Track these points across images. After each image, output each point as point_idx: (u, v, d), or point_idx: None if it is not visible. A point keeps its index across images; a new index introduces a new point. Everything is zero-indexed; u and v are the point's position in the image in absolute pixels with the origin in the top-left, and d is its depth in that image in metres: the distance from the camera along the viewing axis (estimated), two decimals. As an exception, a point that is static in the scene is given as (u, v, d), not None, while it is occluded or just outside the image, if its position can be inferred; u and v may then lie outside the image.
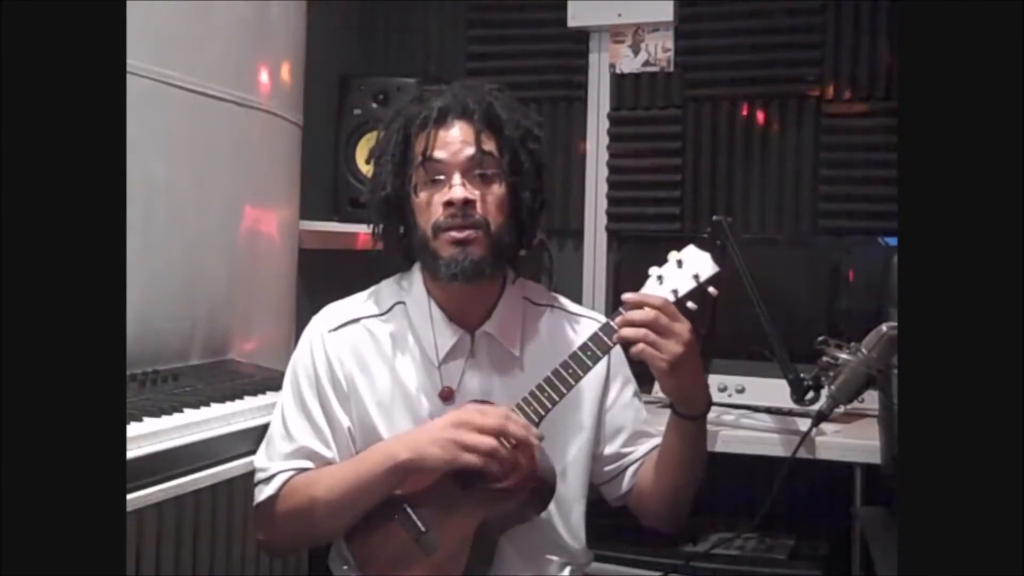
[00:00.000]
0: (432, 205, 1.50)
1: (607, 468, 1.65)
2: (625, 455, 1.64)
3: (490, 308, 1.58)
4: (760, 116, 2.84)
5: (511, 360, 1.58)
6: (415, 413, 1.54)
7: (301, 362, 1.57)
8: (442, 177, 1.50)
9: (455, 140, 1.50)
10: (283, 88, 2.24)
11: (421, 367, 1.56)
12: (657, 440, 1.63)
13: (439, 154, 1.49)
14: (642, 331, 1.44)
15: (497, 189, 1.51)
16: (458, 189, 1.48)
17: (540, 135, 1.58)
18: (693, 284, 1.48)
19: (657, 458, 1.60)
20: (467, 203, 1.48)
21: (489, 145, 1.50)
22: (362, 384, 1.55)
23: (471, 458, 1.40)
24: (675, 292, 1.48)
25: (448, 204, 1.48)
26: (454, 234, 1.48)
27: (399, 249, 1.59)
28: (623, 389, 1.66)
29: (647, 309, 1.44)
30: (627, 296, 1.48)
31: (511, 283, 1.61)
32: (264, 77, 2.14)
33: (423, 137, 1.50)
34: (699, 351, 1.48)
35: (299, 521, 1.50)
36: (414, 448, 1.44)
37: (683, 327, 1.44)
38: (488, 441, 1.40)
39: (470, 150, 1.49)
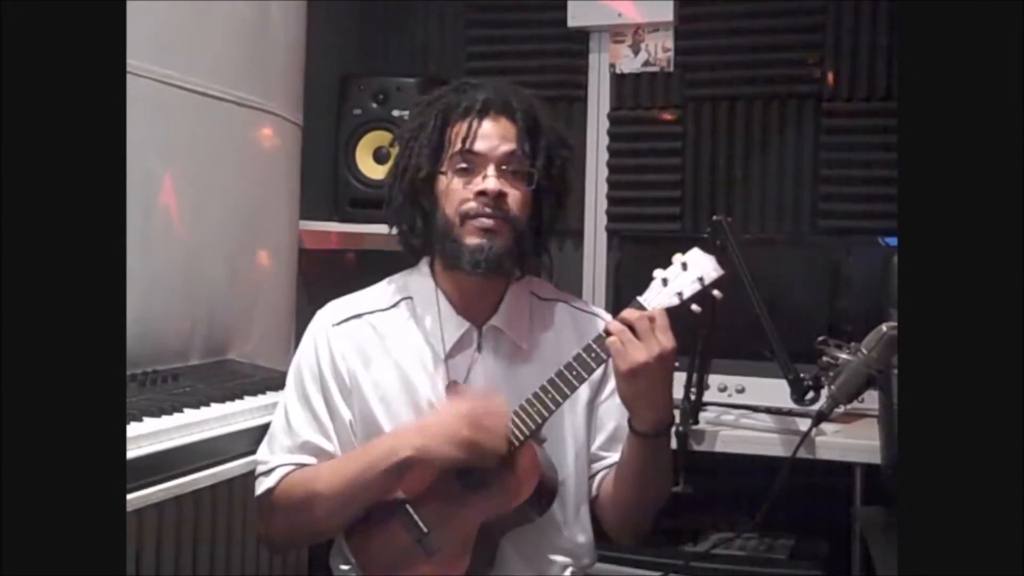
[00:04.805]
0: (462, 193, 1.51)
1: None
2: (601, 457, 1.62)
3: (497, 302, 1.58)
4: (760, 116, 2.84)
5: (518, 354, 1.58)
6: (418, 407, 1.54)
7: (305, 357, 1.58)
8: (474, 167, 1.51)
9: (495, 134, 1.52)
10: (283, 88, 2.24)
11: (427, 361, 1.56)
12: None
13: (479, 145, 1.51)
14: (620, 326, 1.44)
15: (525, 188, 1.53)
16: (492, 181, 1.50)
17: (573, 147, 1.60)
18: (698, 287, 1.48)
19: (616, 469, 1.58)
20: (500, 196, 1.50)
21: (525, 145, 1.53)
22: (365, 378, 1.55)
23: (488, 462, 1.44)
24: (680, 295, 1.47)
25: (481, 194, 1.50)
26: (484, 221, 1.50)
27: (413, 236, 1.58)
28: (615, 390, 1.65)
29: (641, 314, 1.44)
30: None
31: (515, 279, 1.61)
32: (264, 77, 2.14)
33: (463, 125, 1.51)
34: (670, 378, 1.46)
35: (298, 515, 1.50)
36: (420, 446, 1.44)
37: (657, 343, 1.41)
38: (503, 445, 1.43)
39: (508, 146, 1.52)
